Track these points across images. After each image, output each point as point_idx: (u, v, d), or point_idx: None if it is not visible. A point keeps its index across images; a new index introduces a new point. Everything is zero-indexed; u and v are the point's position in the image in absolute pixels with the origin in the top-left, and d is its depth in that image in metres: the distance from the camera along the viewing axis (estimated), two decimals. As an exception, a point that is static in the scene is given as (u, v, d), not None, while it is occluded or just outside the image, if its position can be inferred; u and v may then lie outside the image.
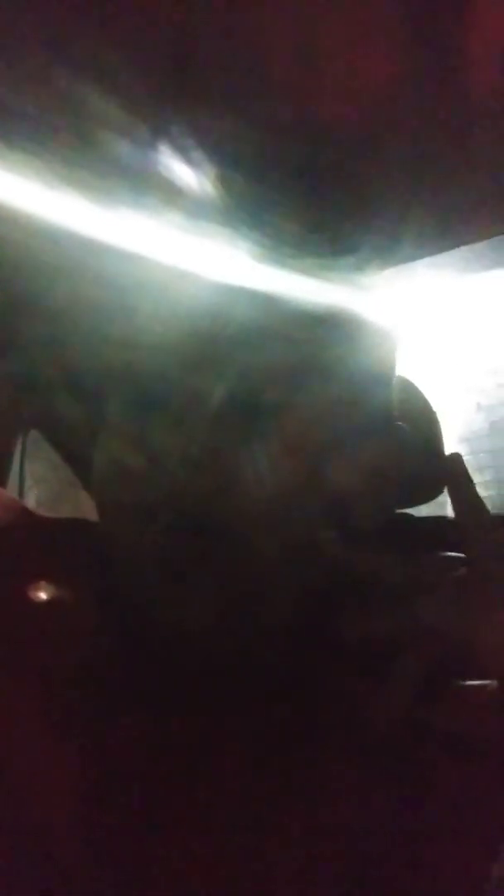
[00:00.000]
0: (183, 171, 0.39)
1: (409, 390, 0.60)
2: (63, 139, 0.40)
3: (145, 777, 0.36)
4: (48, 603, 0.42)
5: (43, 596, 0.42)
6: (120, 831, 0.35)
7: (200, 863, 0.34)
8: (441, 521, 0.51)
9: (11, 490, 0.76)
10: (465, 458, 0.39)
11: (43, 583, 0.42)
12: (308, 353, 0.37)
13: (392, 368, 0.44)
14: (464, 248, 0.54)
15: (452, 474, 0.38)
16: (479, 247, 0.53)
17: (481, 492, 0.38)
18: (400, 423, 0.44)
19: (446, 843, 0.34)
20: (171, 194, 0.39)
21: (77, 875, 0.34)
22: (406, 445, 0.45)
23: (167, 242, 0.40)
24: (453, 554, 0.38)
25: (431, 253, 0.53)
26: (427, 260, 0.53)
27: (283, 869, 0.34)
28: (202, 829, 0.35)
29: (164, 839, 0.35)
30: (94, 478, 0.41)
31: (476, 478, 0.38)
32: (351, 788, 0.35)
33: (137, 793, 0.36)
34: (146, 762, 0.37)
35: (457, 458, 0.39)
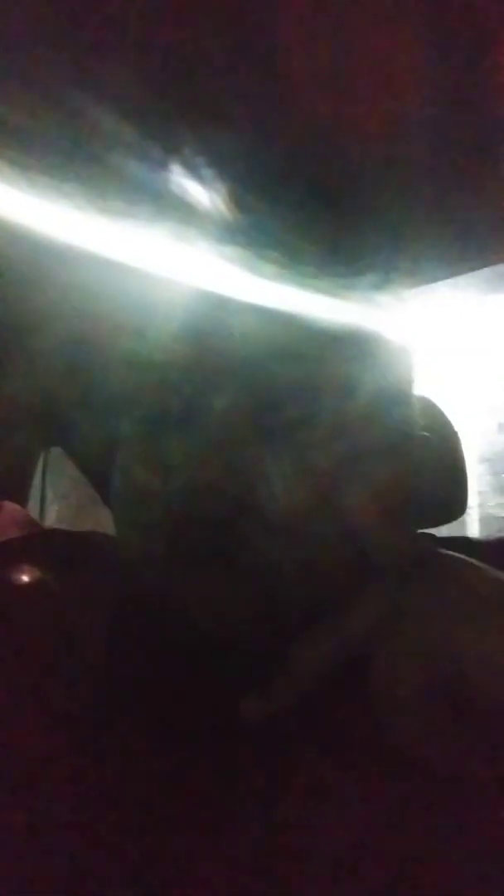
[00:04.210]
0: (198, 190, 0.39)
1: (428, 409, 0.60)
2: (78, 160, 0.41)
3: (146, 780, 0.36)
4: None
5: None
6: (120, 832, 0.35)
7: (203, 862, 0.34)
8: (463, 541, 0.51)
9: (33, 506, 0.77)
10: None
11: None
12: (325, 370, 0.38)
13: (410, 386, 0.44)
14: (486, 270, 0.54)
15: None
16: (502, 268, 0.53)
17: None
18: (422, 438, 0.44)
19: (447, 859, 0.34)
20: (187, 214, 0.40)
21: (78, 876, 0.34)
22: (426, 464, 0.45)
23: (183, 261, 0.40)
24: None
25: (454, 274, 0.53)
26: (450, 280, 0.53)
27: (289, 867, 0.34)
28: (205, 830, 0.35)
29: (166, 840, 0.35)
30: (112, 495, 0.42)
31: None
32: (354, 797, 0.35)
33: (139, 794, 0.36)
34: (146, 764, 0.37)
35: None
